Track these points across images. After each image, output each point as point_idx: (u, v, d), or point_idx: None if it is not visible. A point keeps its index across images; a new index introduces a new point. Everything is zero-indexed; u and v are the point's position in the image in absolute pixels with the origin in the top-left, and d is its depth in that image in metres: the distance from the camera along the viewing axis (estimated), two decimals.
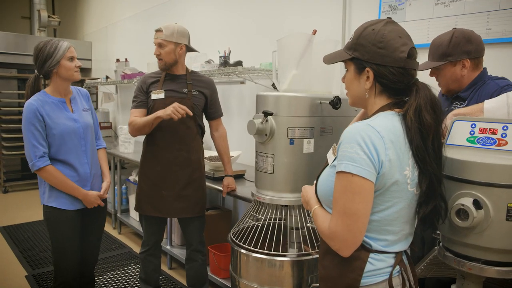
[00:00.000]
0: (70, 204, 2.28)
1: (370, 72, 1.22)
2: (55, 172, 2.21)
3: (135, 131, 2.52)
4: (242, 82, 3.70)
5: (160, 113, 2.35)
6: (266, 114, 1.83)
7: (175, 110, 2.30)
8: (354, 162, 1.11)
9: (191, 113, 2.37)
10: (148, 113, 2.54)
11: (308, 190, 1.37)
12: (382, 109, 1.24)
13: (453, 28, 1.86)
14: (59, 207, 2.26)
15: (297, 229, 1.94)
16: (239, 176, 3.11)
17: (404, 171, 1.16)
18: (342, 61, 1.31)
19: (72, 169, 2.28)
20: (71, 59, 2.25)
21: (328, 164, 1.28)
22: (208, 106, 2.65)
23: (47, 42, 2.22)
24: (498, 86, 1.72)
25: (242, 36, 3.75)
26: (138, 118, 2.49)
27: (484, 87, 1.77)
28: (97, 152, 2.48)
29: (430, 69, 1.86)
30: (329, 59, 1.35)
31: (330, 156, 1.29)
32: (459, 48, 1.76)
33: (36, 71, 2.26)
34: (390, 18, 1.27)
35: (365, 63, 1.22)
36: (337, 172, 1.15)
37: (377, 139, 1.12)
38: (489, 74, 1.85)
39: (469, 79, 1.82)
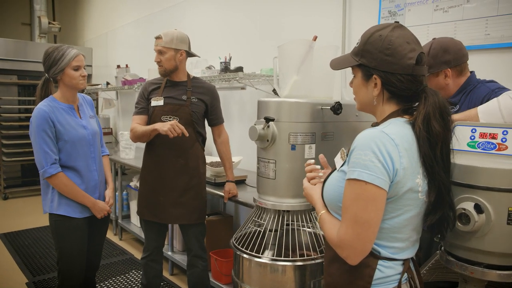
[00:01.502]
0: (79, 212, 2.29)
1: (378, 80, 1.21)
2: (66, 179, 2.22)
3: (135, 138, 2.56)
4: (243, 88, 3.72)
5: (158, 126, 2.37)
6: (268, 120, 1.85)
7: (172, 128, 2.31)
8: (368, 170, 1.10)
9: (187, 134, 2.38)
10: (148, 119, 2.57)
11: (313, 193, 1.36)
12: (391, 115, 1.23)
13: (433, 39, 1.88)
14: (69, 215, 2.25)
15: (299, 233, 1.95)
16: (241, 182, 3.13)
17: (416, 179, 1.15)
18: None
19: (81, 176, 2.29)
20: (77, 68, 2.24)
21: (335, 169, 1.28)
22: (209, 113, 2.67)
23: (55, 48, 2.23)
24: (489, 90, 1.74)
25: (243, 41, 3.77)
26: (138, 126, 2.52)
27: (475, 91, 1.79)
28: None
29: None
30: (336, 65, 1.34)
31: (338, 160, 1.28)
32: (437, 59, 1.79)
33: (46, 74, 2.27)
34: (398, 22, 1.25)
35: (373, 70, 1.21)
36: (349, 179, 1.13)
37: (391, 147, 1.11)
38: (484, 78, 1.87)
39: (455, 86, 1.85)
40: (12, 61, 6.52)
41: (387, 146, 1.11)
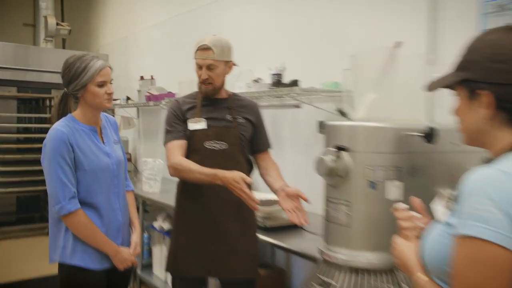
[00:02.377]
0: (98, 263, 2.29)
1: (489, 95, 1.18)
2: (86, 219, 2.22)
3: (179, 177, 2.53)
4: (297, 106, 3.74)
5: (221, 179, 2.27)
6: (340, 149, 1.86)
7: (241, 191, 2.22)
8: (487, 224, 1.05)
9: (259, 210, 2.40)
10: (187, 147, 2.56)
11: (405, 249, 1.34)
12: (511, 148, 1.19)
13: None
14: (86, 266, 2.25)
15: None
16: (295, 226, 3.10)
17: None
18: (449, 88, 1.30)
19: (102, 216, 2.30)
20: (102, 84, 2.27)
21: (436, 220, 1.26)
22: (255, 136, 2.68)
23: (78, 59, 2.26)
24: None
25: (296, 48, 3.82)
26: (186, 162, 2.43)
27: None
28: None
29: None
30: (434, 85, 1.34)
31: (439, 209, 1.27)
32: None
33: (65, 89, 2.32)
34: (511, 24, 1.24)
35: (480, 84, 1.19)
36: (460, 236, 1.10)
37: None
38: None
39: None
40: (11, 69, 6.48)
41: (509, 190, 1.07)
